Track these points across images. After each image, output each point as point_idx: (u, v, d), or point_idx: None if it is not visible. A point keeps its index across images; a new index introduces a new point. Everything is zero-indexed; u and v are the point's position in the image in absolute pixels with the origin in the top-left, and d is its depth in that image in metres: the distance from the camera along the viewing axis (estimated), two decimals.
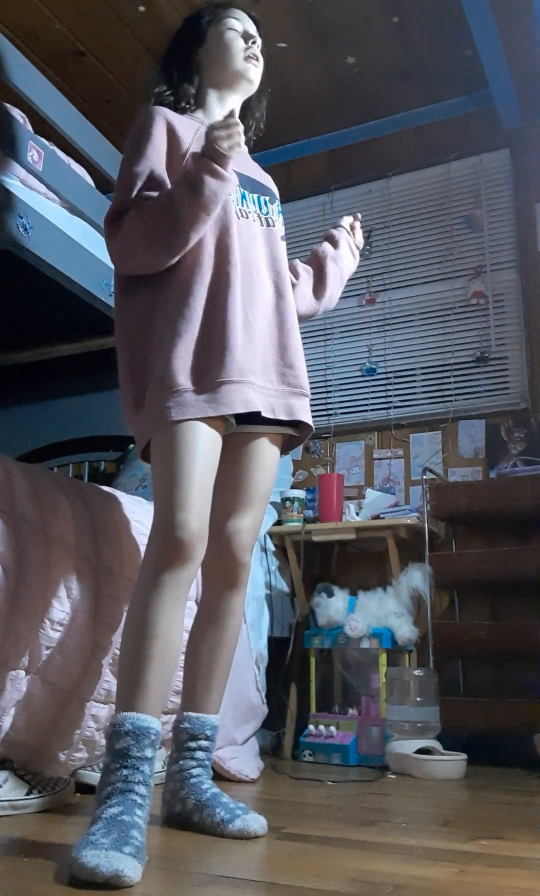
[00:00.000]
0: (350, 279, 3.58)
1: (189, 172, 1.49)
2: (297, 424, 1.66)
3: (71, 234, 2.52)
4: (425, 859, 1.25)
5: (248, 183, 1.71)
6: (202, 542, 1.45)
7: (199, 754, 1.54)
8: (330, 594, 2.83)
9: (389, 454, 3.35)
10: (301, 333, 1.73)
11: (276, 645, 2.83)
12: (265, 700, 2.48)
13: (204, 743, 1.55)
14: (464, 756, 2.35)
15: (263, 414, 1.56)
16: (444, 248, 3.46)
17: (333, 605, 2.78)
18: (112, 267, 2.73)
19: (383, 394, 3.45)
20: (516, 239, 3.34)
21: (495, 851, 1.32)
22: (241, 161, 1.71)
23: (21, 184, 2.31)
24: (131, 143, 1.65)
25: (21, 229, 2.30)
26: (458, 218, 3.47)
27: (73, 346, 3.48)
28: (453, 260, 3.43)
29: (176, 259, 1.55)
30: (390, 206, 3.61)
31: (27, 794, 1.58)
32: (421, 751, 2.34)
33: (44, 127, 2.47)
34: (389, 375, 3.45)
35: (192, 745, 1.54)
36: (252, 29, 1.79)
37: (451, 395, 3.30)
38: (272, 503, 3.09)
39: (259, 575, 2.73)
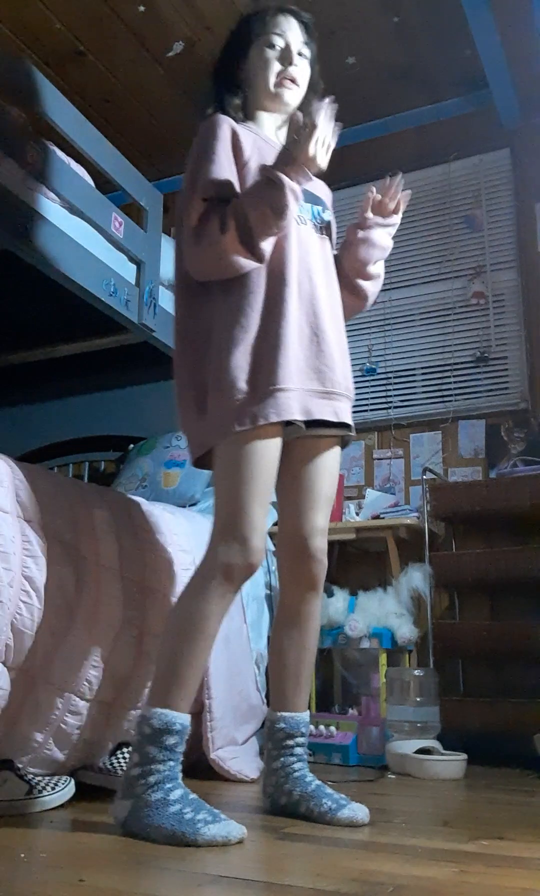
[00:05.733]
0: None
1: (263, 187, 1.55)
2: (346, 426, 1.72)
3: (71, 234, 2.52)
4: (425, 859, 1.25)
5: (303, 192, 1.71)
6: (262, 554, 1.53)
7: (298, 750, 1.65)
8: (330, 594, 2.83)
9: (389, 454, 3.35)
10: None
11: None
12: (265, 700, 2.48)
13: (300, 739, 1.66)
14: (464, 756, 2.34)
15: (328, 419, 1.63)
16: (444, 248, 3.46)
17: (333, 605, 2.78)
18: (112, 267, 2.73)
19: (383, 394, 3.45)
20: (516, 239, 3.34)
21: (495, 851, 1.32)
22: None
23: (21, 184, 2.31)
24: (200, 148, 1.68)
25: (21, 229, 2.30)
26: (458, 218, 3.47)
27: (73, 346, 3.48)
28: (453, 260, 3.43)
29: (254, 265, 1.60)
30: None
31: (27, 794, 1.58)
32: (421, 751, 2.34)
33: (44, 127, 2.47)
34: (389, 375, 3.45)
35: (290, 742, 1.64)
36: (296, 42, 1.79)
37: (451, 395, 3.30)
38: (272, 503, 3.09)
39: (259, 575, 2.73)
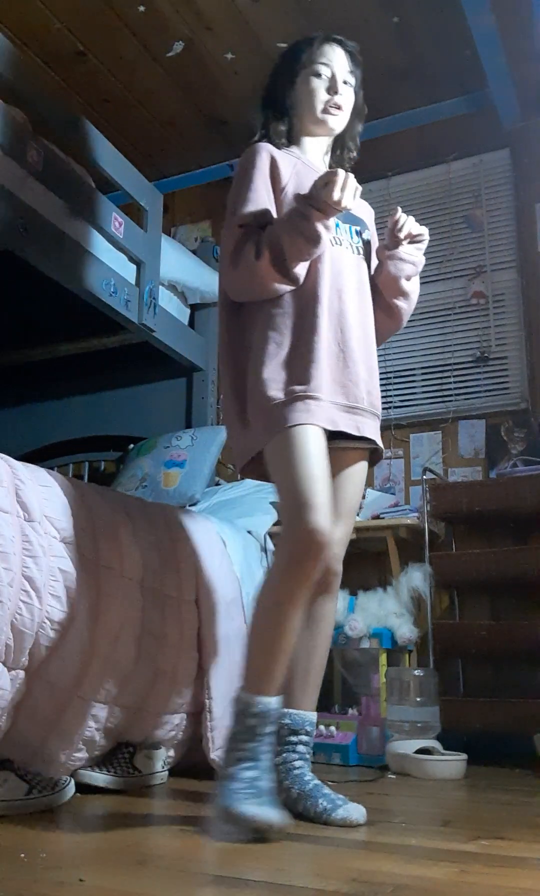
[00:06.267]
0: None
1: (296, 218, 1.63)
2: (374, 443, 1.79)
3: (71, 234, 2.52)
4: (425, 859, 1.25)
5: (343, 213, 1.76)
6: (328, 533, 1.55)
7: (301, 748, 1.67)
8: None
9: (389, 454, 3.35)
10: None
11: None
12: None
13: (304, 738, 1.69)
14: (464, 756, 2.34)
15: (349, 431, 1.69)
16: (444, 248, 3.46)
17: None
18: (112, 267, 2.73)
19: (383, 394, 3.43)
20: (516, 239, 3.34)
21: (495, 851, 1.32)
22: None
23: (21, 184, 2.31)
24: (240, 176, 1.78)
25: (21, 229, 2.30)
26: (458, 218, 3.47)
27: (74, 346, 3.48)
28: (453, 260, 3.42)
29: (289, 288, 1.69)
30: (390, 206, 3.60)
31: (27, 794, 1.58)
32: (421, 751, 2.34)
33: (44, 127, 2.47)
34: (389, 375, 3.44)
35: (294, 739, 1.67)
36: (341, 71, 1.88)
37: (451, 395, 3.30)
38: (272, 503, 3.09)
39: (259, 575, 2.73)
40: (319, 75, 1.86)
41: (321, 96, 1.86)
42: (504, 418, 3.17)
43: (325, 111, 1.86)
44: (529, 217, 3.33)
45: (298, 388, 1.63)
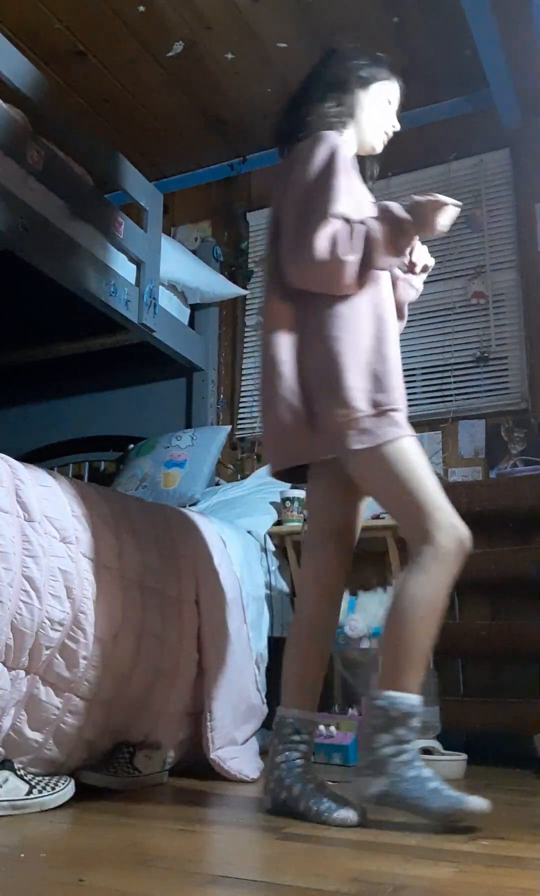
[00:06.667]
0: None
1: (394, 229, 1.67)
2: None
3: (71, 234, 2.52)
4: (425, 859, 1.25)
5: None
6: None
7: (303, 747, 1.68)
8: None
9: None
10: None
11: (275, 645, 2.82)
12: (265, 700, 2.48)
13: (306, 737, 1.69)
14: (464, 756, 2.34)
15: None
16: (444, 248, 3.46)
17: None
18: (112, 267, 2.72)
19: None
20: (516, 239, 3.33)
21: (495, 851, 1.32)
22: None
23: (21, 184, 2.31)
24: (323, 165, 1.72)
25: (21, 229, 2.30)
26: (458, 218, 3.46)
27: (74, 346, 3.48)
28: (453, 260, 3.42)
29: (351, 291, 1.69)
30: None
31: (27, 794, 1.58)
32: (421, 751, 2.33)
33: (44, 127, 2.47)
34: None
35: (296, 738, 1.68)
36: (396, 107, 1.96)
37: (451, 395, 3.29)
38: (272, 503, 3.09)
39: (259, 575, 2.73)
40: (390, 102, 1.94)
41: (386, 120, 1.93)
42: (504, 418, 3.17)
43: (383, 134, 1.93)
44: (529, 217, 3.33)
45: (386, 399, 1.64)
